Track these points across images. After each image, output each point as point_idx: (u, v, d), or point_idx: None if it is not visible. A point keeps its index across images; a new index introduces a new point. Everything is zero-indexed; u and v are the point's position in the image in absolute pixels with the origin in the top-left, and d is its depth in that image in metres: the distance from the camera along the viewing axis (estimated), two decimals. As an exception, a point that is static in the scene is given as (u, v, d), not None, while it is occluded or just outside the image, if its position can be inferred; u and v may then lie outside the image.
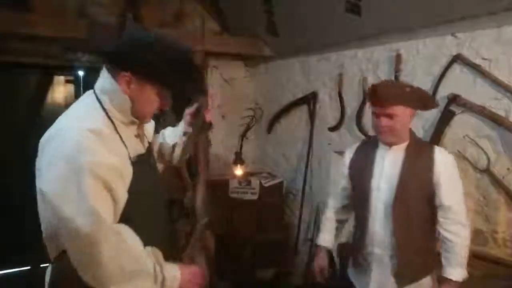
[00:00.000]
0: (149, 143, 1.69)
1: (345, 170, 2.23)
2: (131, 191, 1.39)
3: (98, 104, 1.42)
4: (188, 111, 1.96)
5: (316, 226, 3.78)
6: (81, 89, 4.08)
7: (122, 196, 1.36)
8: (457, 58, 2.63)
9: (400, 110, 1.92)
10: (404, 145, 2.01)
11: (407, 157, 1.98)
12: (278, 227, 3.90)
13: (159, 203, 1.63)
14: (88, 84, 3.99)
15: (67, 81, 4.15)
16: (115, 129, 1.42)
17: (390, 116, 1.92)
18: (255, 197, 3.81)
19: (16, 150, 3.78)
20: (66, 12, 3.57)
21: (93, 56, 3.69)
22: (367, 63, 3.29)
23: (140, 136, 1.57)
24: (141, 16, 2.90)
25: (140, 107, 1.45)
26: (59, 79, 4.14)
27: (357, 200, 2.15)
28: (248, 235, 3.64)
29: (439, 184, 1.94)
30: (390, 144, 2.03)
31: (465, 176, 2.61)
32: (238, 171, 4.02)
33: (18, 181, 3.67)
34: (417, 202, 1.97)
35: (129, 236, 1.36)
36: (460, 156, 2.63)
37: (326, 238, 2.35)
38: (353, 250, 2.22)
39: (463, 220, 1.96)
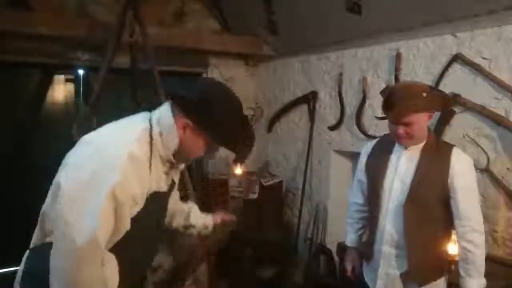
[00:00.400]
0: (174, 182, 1.67)
1: (362, 165, 2.20)
2: (132, 221, 1.39)
3: (148, 131, 1.42)
4: (223, 216, 2.05)
5: (316, 225, 3.79)
6: (81, 88, 4.07)
7: (126, 226, 1.36)
8: (457, 58, 2.63)
9: (417, 118, 1.86)
10: (421, 146, 1.96)
11: (423, 158, 1.94)
12: (277, 226, 3.90)
13: (152, 240, 1.63)
14: (88, 82, 4.00)
15: (67, 80, 4.14)
16: (150, 159, 1.41)
17: (408, 124, 1.87)
18: (255, 196, 3.81)
19: (17, 149, 3.78)
20: (66, 11, 3.57)
21: (92, 55, 3.69)
22: (367, 62, 3.28)
23: (168, 174, 1.56)
24: (141, 15, 2.89)
25: (186, 152, 1.48)
26: (59, 78, 4.13)
27: (370, 197, 2.12)
28: (248, 234, 3.63)
29: (455, 188, 1.88)
30: (408, 146, 1.99)
31: (465, 176, 2.62)
32: (238, 170, 4.01)
33: (18, 180, 3.70)
34: (430, 204, 1.93)
35: (111, 272, 1.34)
36: (460, 156, 2.63)
37: (352, 238, 2.32)
38: (365, 247, 2.22)
39: (480, 228, 1.89)
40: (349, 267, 2.29)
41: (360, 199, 2.26)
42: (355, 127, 3.38)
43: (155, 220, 1.57)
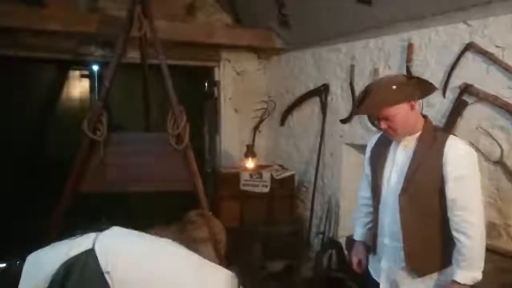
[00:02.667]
0: None
1: (367, 159, 2.19)
2: None
3: None
4: None
5: (328, 219, 3.76)
6: (96, 83, 4.13)
7: None
8: (470, 47, 2.56)
9: (394, 110, 1.85)
10: (416, 136, 1.94)
11: (418, 147, 1.91)
12: (289, 219, 3.88)
13: None
14: (103, 78, 4.05)
15: (82, 76, 4.20)
16: None
17: (387, 118, 1.87)
18: (267, 189, 3.80)
19: (31, 145, 3.87)
20: (78, 6, 3.62)
21: (105, 50, 3.73)
22: (379, 53, 3.23)
23: None
24: (150, 9, 2.90)
25: None
26: (75, 74, 4.20)
27: (372, 189, 2.12)
28: (259, 227, 3.63)
29: (447, 177, 1.84)
30: (399, 140, 1.98)
31: (477, 168, 2.55)
32: (250, 163, 4.01)
33: (32, 176, 3.78)
34: (426, 194, 1.89)
35: None
36: (473, 147, 2.55)
37: (359, 232, 2.30)
38: (370, 239, 2.21)
39: (473, 219, 1.81)
40: (355, 260, 2.27)
41: (367, 193, 2.23)
42: (367, 119, 3.33)
43: None
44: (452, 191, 1.83)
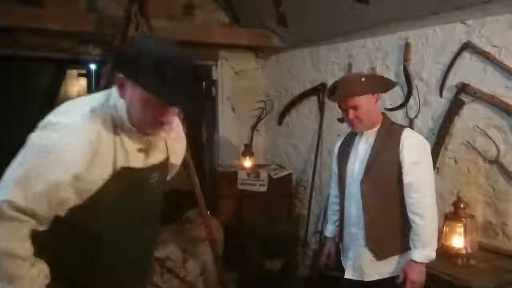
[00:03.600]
0: (164, 163, 1.56)
1: (335, 159, 2.41)
2: (97, 200, 1.31)
3: (107, 104, 1.38)
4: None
5: (326, 218, 3.76)
6: (93, 82, 4.14)
7: (65, 202, 1.30)
8: (467, 46, 2.56)
9: (362, 100, 2.07)
10: (375, 129, 2.15)
11: (377, 140, 2.13)
12: (287, 219, 3.88)
13: (141, 224, 1.49)
14: (100, 77, 4.05)
15: (80, 75, 4.21)
16: (114, 134, 1.36)
17: (355, 108, 2.07)
18: (264, 189, 3.81)
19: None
20: (76, 6, 3.61)
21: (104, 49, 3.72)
22: (376, 52, 3.23)
23: (146, 151, 1.45)
24: (147, 8, 2.90)
25: (133, 113, 1.33)
26: (72, 73, 4.21)
27: (339, 184, 2.31)
28: (257, 227, 3.63)
29: (403, 163, 2.03)
30: (362, 131, 2.19)
31: (474, 167, 2.56)
32: (247, 163, 4.01)
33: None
34: (385, 181, 2.08)
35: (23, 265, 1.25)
36: (470, 147, 2.57)
37: (330, 229, 2.49)
38: (339, 232, 2.38)
39: (426, 200, 2.01)
40: (325, 253, 2.46)
41: (335, 191, 2.41)
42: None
43: (136, 201, 1.44)
44: (407, 175, 2.03)
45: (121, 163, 1.36)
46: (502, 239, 2.43)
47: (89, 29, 3.41)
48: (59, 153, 1.26)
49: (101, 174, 1.32)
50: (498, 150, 2.44)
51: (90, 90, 4.14)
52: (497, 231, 2.46)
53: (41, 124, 1.33)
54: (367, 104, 2.09)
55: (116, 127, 1.36)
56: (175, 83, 1.25)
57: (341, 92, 2.09)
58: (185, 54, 1.32)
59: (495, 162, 2.44)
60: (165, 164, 1.59)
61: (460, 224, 2.31)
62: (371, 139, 2.15)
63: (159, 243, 2.96)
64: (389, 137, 2.11)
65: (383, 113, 2.23)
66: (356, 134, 2.25)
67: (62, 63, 4.03)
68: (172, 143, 1.61)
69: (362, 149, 2.17)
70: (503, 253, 2.38)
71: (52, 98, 4.02)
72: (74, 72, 4.22)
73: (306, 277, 3.54)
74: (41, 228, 1.27)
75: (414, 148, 2.06)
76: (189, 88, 1.31)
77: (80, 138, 1.29)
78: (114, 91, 1.37)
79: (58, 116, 1.33)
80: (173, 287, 3.06)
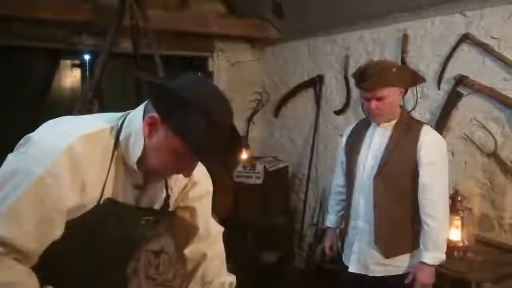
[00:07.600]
0: (164, 205, 1.33)
1: (342, 148, 2.31)
2: (73, 232, 1.11)
3: (115, 132, 1.16)
4: None
5: (322, 210, 3.75)
6: (87, 73, 4.07)
7: (53, 231, 1.09)
8: (466, 38, 2.54)
9: (389, 92, 1.97)
10: (393, 123, 2.06)
11: (394, 134, 2.04)
12: (283, 211, 3.87)
13: (114, 265, 1.30)
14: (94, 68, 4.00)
15: (74, 65, 4.14)
16: (110, 162, 1.14)
17: (380, 99, 1.98)
18: (260, 181, 3.78)
19: (23, 135, 3.81)
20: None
21: (97, 40, 3.66)
22: (374, 44, 3.20)
23: (142, 189, 1.23)
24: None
25: (153, 158, 1.12)
26: (66, 63, 4.14)
27: (346, 175, 2.23)
28: (253, 219, 3.62)
29: (421, 162, 1.97)
30: (381, 122, 2.09)
31: (471, 160, 2.55)
32: (243, 155, 3.98)
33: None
34: (399, 178, 2.01)
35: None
36: (467, 140, 2.55)
37: (332, 219, 2.43)
38: (344, 223, 2.32)
39: (440, 203, 1.96)
40: (327, 245, 2.41)
41: (341, 181, 2.33)
42: (361, 111, 3.30)
43: (119, 241, 1.22)
44: (423, 176, 1.96)
45: (107, 194, 1.15)
46: (499, 232, 2.43)
47: (83, 18, 3.36)
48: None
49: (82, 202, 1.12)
50: (496, 143, 2.43)
51: (84, 81, 4.08)
52: (494, 224, 2.46)
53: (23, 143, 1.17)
54: (393, 96, 1.99)
55: (112, 156, 1.15)
56: (226, 148, 1.14)
57: (373, 80, 1.95)
58: (228, 107, 1.19)
59: (493, 155, 2.44)
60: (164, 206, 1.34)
61: (457, 217, 2.30)
62: (387, 133, 2.05)
63: (154, 236, 2.93)
64: (407, 133, 2.02)
65: (400, 106, 2.14)
66: (369, 124, 2.15)
67: (55, 53, 3.95)
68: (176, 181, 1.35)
69: (376, 142, 2.07)
70: (499, 246, 2.39)
71: (45, 89, 3.95)
72: (68, 62, 4.14)
73: (301, 270, 3.54)
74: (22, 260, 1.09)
75: (432, 147, 1.98)
76: (234, 150, 1.22)
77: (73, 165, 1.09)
78: (134, 120, 1.15)
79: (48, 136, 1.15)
80: (168, 280, 3.04)
